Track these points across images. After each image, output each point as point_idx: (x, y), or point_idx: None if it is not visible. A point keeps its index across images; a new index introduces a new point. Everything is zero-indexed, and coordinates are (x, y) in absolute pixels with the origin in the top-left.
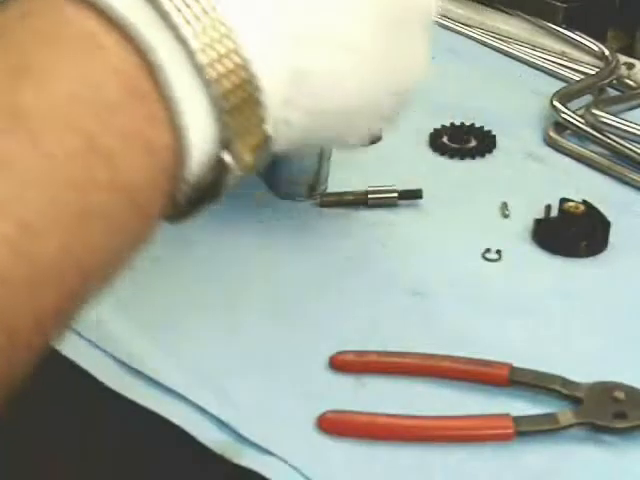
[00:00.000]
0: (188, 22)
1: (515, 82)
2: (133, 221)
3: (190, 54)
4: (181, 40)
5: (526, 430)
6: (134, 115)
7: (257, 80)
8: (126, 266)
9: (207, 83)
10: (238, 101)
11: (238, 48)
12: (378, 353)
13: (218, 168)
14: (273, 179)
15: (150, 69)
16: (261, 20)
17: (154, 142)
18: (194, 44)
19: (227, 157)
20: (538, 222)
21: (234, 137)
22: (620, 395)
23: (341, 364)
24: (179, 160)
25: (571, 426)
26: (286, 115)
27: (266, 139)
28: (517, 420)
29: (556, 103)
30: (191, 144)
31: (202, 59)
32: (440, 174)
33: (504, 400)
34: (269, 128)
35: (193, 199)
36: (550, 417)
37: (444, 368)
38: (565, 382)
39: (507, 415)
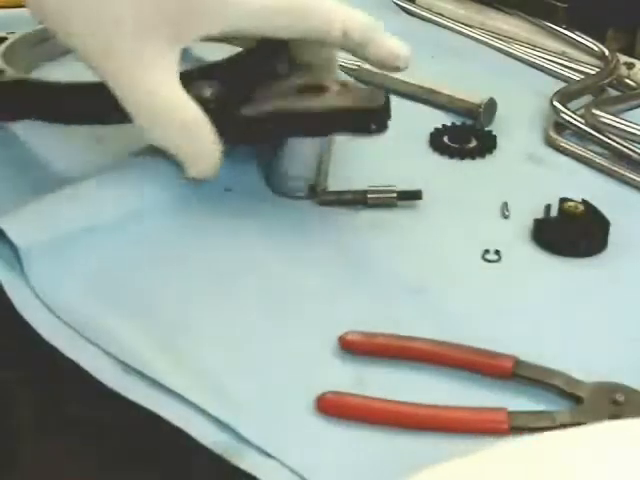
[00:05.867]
0: None
1: (515, 82)
2: None
3: None
4: None
5: (521, 426)
6: None
7: None
8: None
9: None
10: None
11: None
12: (385, 336)
13: None
14: (274, 178)
15: None
16: None
17: None
18: None
19: None
20: (538, 222)
21: None
22: (620, 397)
23: (347, 346)
24: None
25: (566, 426)
26: None
27: None
28: (513, 415)
29: (556, 103)
30: None
31: None
32: (440, 174)
33: (506, 393)
34: None
35: None
36: (547, 415)
37: (451, 356)
38: (569, 380)
39: (503, 409)
